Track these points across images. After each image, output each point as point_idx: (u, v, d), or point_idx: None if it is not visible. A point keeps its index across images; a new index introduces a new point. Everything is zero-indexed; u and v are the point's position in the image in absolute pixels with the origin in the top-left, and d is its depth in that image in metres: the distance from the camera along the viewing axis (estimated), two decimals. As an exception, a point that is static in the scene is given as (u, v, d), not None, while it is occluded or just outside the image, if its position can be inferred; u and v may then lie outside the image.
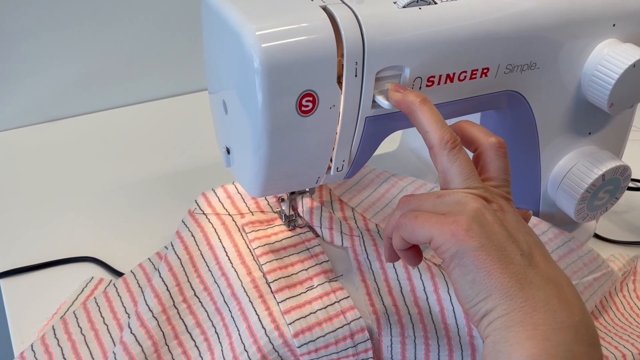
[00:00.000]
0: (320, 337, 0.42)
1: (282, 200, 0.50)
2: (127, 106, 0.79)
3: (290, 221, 0.50)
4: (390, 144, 0.62)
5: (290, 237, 0.48)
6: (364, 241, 0.48)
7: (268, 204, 0.50)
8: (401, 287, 0.47)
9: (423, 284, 0.46)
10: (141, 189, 0.66)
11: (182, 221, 0.49)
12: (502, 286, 0.32)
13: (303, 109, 0.37)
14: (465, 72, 0.42)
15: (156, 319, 0.43)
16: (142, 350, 0.42)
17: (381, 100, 0.38)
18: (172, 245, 0.47)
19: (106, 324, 0.47)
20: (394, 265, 0.47)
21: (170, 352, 0.43)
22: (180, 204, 0.57)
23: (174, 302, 0.44)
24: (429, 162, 0.59)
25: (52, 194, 0.65)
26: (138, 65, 0.77)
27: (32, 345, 0.47)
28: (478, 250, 0.32)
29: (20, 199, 0.64)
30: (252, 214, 0.48)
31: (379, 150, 0.48)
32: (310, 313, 0.43)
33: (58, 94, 0.74)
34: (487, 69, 0.42)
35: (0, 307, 0.54)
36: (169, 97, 0.81)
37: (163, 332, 0.43)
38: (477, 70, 0.42)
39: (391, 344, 0.44)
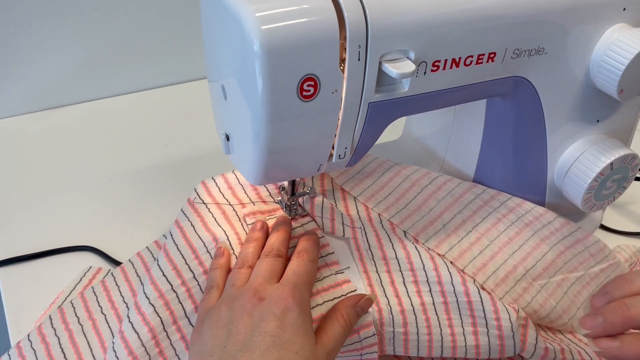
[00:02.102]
0: None
1: (283, 189, 0.49)
2: (127, 94, 0.78)
3: (292, 210, 0.49)
4: (392, 132, 0.61)
5: (293, 229, 0.47)
6: (365, 232, 0.47)
7: (270, 194, 0.49)
8: (403, 279, 0.46)
9: (426, 275, 0.45)
10: (140, 177, 0.65)
11: (182, 210, 0.48)
12: None
13: (304, 93, 0.36)
14: (472, 56, 0.40)
15: (152, 305, 0.42)
16: (139, 337, 0.41)
17: (389, 68, 0.37)
18: (170, 235, 0.46)
19: (104, 314, 0.46)
20: (396, 256, 0.46)
21: (168, 337, 0.42)
22: (179, 193, 0.56)
23: (171, 285, 0.43)
24: (433, 150, 0.58)
25: (51, 182, 0.64)
26: (137, 53, 0.76)
27: (28, 335, 0.46)
28: None
29: (18, 187, 0.63)
30: (254, 204, 0.47)
31: (381, 139, 0.47)
32: (317, 305, 0.42)
33: (57, 82, 0.73)
34: (494, 53, 0.41)
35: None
36: (169, 85, 0.80)
37: (160, 318, 0.42)
38: (483, 54, 0.41)
39: (393, 336, 0.44)
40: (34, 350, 0.44)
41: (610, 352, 0.34)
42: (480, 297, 0.44)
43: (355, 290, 0.44)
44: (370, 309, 0.43)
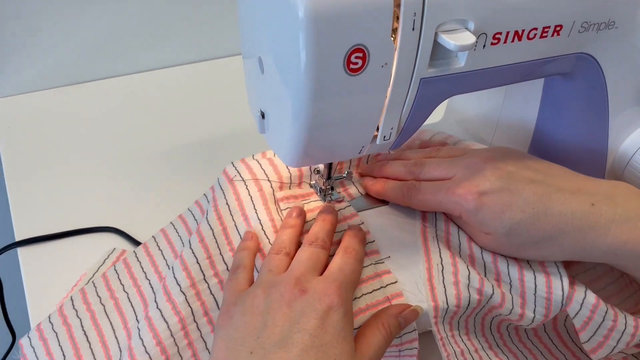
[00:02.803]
0: None
1: (318, 172, 0.46)
2: (153, 70, 0.75)
3: (326, 195, 0.45)
4: (433, 113, 0.58)
5: None
6: None
7: (310, 174, 0.46)
8: (460, 251, 0.42)
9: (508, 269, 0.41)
10: (167, 157, 0.63)
11: (218, 182, 0.45)
12: None
13: (351, 66, 0.33)
14: (536, 29, 0.36)
15: (184, 294, 0.39)
16: (168, 327, 0.39)
17: (446, 39, 0.33)
18: (206, 216, 0.43)
19: (126, 292, 0.44)
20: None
21: (198, 329, 0.40)
22: (206, 174, 0.53)
23: (204, 275, 0.40)
24: (477, 134, 0.54)
25: (75, 159, 0.62)
26: (169, 28, 0.73)
27: (49, 317, 0.44)
28: None
29: (41, 164, 0.61)
30: (290, 188, 0.44)
31: None
32: (354, 298, 0.38)
33: (85, 56, 0.71)
34: (560, 26, 0.37)
35: (18, 277, 0.51)
36: (198, 62, 0.77)
37: (191, 308, 0.39)
38: (549, 27, 0.37)
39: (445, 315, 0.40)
40: (56, 333, 0.42)
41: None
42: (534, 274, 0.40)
43: (396, 282, 0.41)
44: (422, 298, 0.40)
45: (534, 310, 0.40)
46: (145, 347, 0.38)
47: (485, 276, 0.41)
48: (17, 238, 0.53)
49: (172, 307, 0.39)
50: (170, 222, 0.49)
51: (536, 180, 0.38)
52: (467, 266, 0.41)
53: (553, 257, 0.39)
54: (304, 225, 0.42)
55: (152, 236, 0.49)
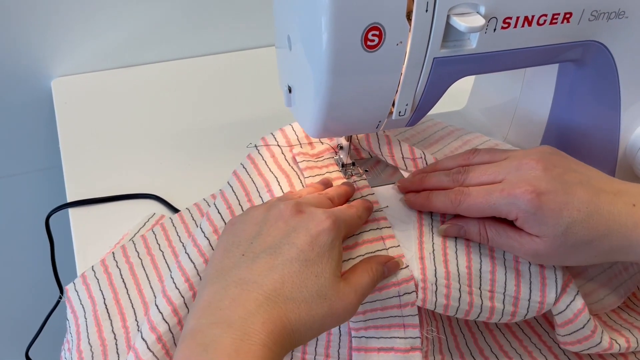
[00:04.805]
0: None
1: (341, 148, 0.49)
2: (197, 57, 0.81)
3: (347, 170, 0.49)
4: (456, 102, 0.60)
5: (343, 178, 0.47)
6: (426, 161, 0.46)
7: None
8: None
9: None
10: (205, 135, 0.68)
11: (241, 163, 0.49)
12: None
13: (368, 43, 0.36)
14: (546, 15, 0.39)
15: (207, 239, 0.44)
16: (195, 267, 0.43)
17: (457, 21, 0.36)
18: (228, 183, 0.47)
19: (162, 251, 0.49)
20: None
21: None
22: (240, 152, 0.58)
23: (224, 222, 0.44)
24: (498, 122, 0.57)
25: (124, 134, 0.68)
26: (210, 18, 0.78)
27: (92, 267, 0.49)
28: None
29: (94, 138, 0.67)
30: (301, 146, 0.48)
31: (445, 108, 0.45)
32: (358, 256, 0.42)
33: (134, 42, 0.76)
34: (570, 14, 0.40)
35: (68, 235, 0.57)
36: (237, 51, 0.82)
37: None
38: (558, 14, 0.39)
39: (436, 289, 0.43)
40: (97, 280, 0.47)
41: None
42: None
43: (391, 227, 0.43)
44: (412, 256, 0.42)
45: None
46: (175, 284, 0.42)
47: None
48: (69, 200, 0.59)
49: (197, 250, 0.43)
50: (204, 199, 0.54)
51: (583, 182, 0.39)
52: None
53: (596, 258, 0.40)
54: (322, 189, 0.45)
55: (187, 208, 0.53)
